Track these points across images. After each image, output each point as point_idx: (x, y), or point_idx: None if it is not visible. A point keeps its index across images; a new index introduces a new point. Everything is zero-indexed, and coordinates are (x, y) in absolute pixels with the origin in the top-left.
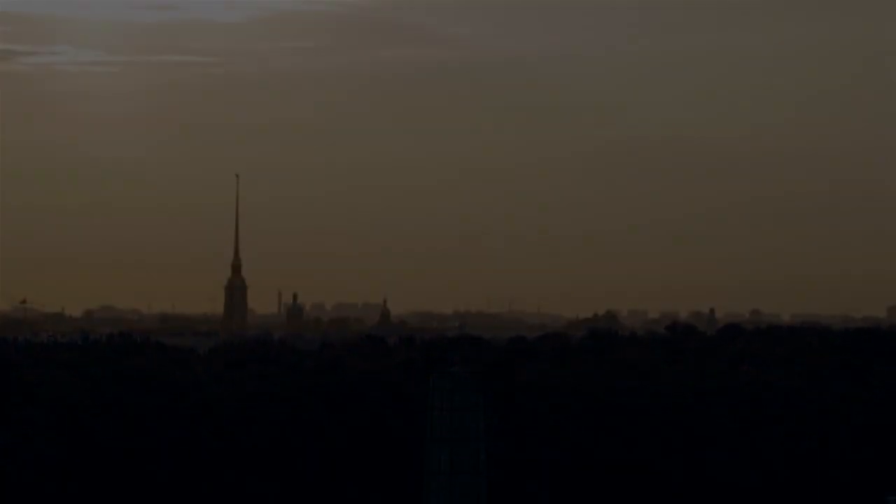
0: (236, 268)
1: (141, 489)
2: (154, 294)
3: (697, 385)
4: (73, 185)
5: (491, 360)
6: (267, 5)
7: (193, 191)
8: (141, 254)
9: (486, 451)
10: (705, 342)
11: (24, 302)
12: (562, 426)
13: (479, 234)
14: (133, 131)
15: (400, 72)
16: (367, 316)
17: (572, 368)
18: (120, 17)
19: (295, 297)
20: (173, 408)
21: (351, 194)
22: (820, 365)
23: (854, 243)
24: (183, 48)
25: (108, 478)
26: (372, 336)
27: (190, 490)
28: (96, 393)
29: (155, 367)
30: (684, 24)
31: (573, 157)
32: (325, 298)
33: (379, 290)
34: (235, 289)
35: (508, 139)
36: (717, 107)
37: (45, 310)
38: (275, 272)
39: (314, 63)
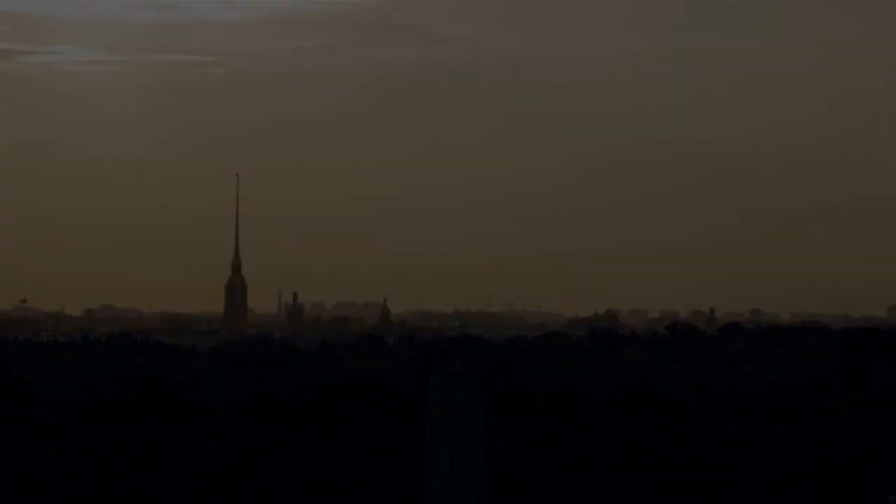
0: (236, 267)
1: (141, 489)
2: (154, 294)
3: (697, 385)
4: (73, 185)
5: (491, 359)
6: (267, 5)
7: (193, 191)
8: (141, 254)
9: (486, 451)
10: (705, 342)
11: (24, 301)
12: (562, 426)
13: (480, 234)
14: (133, 131)
15: (400, 72)
16: (367, 316)
17: (572, 368)
18: (120, 16)
19: (295, 296)
20: (173, 407)
21: (351, 194)
22: (820, 365)
23: (854, 243)
24: (183, 48)
25: (108, 478)
26: (372, 336)
27: (190, 490)
28: (96, 393)
29: (155, 366)
30: (684, 24)
31: (573, 156)
32: (325, 298)
33: (379, 289)
34: (235, 288)
35: (508, 139)
36: (717, 107)
37: (45, 309)
38: (275, 272)
39: (314, 63)
